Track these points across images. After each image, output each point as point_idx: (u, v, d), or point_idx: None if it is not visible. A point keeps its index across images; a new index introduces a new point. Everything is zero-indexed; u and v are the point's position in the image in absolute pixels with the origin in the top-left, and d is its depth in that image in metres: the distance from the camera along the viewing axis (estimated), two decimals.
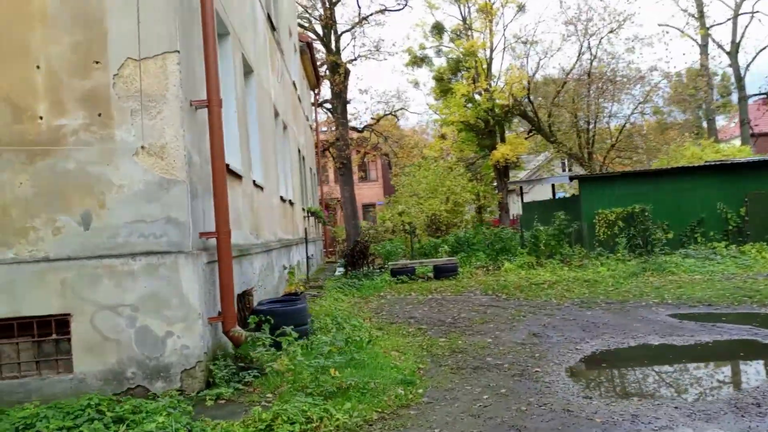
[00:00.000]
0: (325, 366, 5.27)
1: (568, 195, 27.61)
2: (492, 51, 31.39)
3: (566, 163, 36.90)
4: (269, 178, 10.27)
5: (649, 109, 30.08)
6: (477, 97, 30.40)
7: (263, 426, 4.04)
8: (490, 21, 30.84)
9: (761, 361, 5.93)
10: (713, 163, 16.64)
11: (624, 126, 28.87)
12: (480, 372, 5.66)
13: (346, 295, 11.71)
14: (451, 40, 33.41)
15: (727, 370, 5.75)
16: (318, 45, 30.59)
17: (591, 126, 29.17)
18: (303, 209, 17.59)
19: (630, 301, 9.43)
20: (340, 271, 15.98)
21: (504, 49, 30.81)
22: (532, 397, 4.74)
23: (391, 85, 67.25)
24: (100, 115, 4.91)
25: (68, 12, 4.89)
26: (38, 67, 4.85)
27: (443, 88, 32.79)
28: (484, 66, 30.73)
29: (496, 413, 4.41)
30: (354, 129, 34.19)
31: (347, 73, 29.57)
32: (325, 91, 31.29)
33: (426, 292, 12.00)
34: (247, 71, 9.31)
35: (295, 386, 4.82)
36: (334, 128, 31.18)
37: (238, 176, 7.35)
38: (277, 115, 12.69)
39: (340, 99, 29.75)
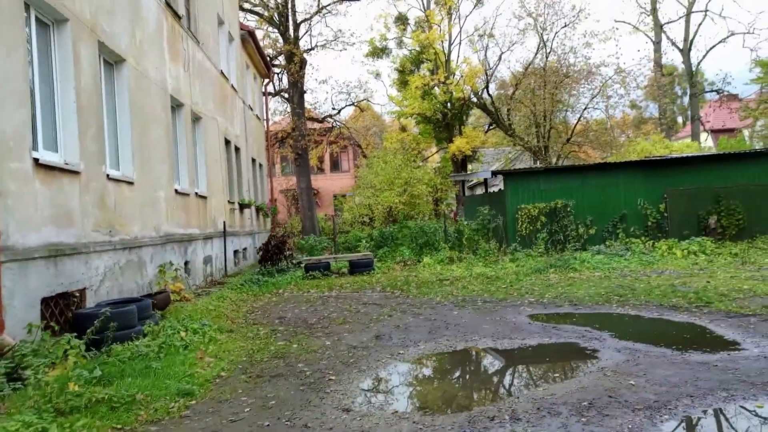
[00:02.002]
0: (92, 377, 5.01)
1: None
2: (450, 44, 31.15)
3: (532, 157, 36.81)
4: (151, 171, 9.93)
5: (616, 102, 29.98)
6: (436, 89, 30.10)
7: None
8: (449, 13, 30.55)
9: (541, 367, 5.60)
10: (637, 160, 16.50)
11: (579, 120, 28.75)
12: (276, 380, 5.41)
13: (240, 293, 11.44)
14: (413, 31, 33.04)
15: (505, 377, 5.52)
16: (276, 35, 30.20)
17: (546, 120, 29.02)
18: (232, 202, 17.27)
19: (508, 300, 9.25)
20: None
21: (460, 42, 30.53)
22: (297, 410, 4.50)
23: (352, 76, 66.70)
24: None
25: None
26: None
27: (404, 79, 32.49)
28: (443, 59, 30.44)
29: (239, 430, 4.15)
30: (314, 119, 33.81)
31: (303, 62, 29.16)
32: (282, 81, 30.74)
33: (326, 289, 11.75)
34: (115, 60, 8.96)
35: (41, 400, 4.53)
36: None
37: (70, 171, 7.03)
38: (179, 106, 12.34)
39: (296, 89, 29.34)
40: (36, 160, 6.20)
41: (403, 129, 34.38)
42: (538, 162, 29.80)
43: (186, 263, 11.82)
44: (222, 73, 16.97)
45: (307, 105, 32.17)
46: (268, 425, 4.21)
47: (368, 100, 36.25)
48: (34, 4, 6.64)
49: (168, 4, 11.63)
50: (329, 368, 5.69)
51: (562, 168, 17.14)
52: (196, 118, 13.78)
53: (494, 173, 17.28)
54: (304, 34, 30.26)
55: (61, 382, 4.86)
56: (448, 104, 30.30)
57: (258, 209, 22.10)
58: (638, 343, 6.03)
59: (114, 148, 8.97)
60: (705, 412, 4.00)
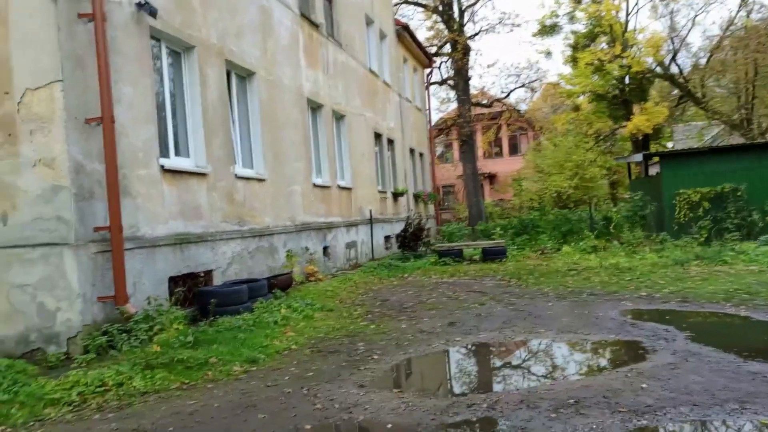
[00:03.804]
0: (186, 341, 6.19)
1: None
2: (627, 13, 28.88)
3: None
4: (284, 169, 11.24)
5: None
6: (609, 64, 28.15)
7: (69, 385, 5.06)
8: None
9: (573, 363, 5.46)
10: None
11: None
12: (330, 355, 6.10)
13: (369, 276, 12.37)
14: (588, 3, 31.21)
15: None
16: (440, 25, 30.74)
17: (750, 89, 25.72)
18: (383, 192, 18.39)
19: (618, 293, 8.84)
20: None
21: (637, 11, 28.17)
22: (322, 382, 5.14)
23: (520, 57, 64.02)
24: (9, 135, 6.24)
25: None
26: None
27: (576, 56, 30.92)
28: (619, 30, 28.35)
29: (262, 403, 4.91)
30: (480, 105, 33.83)
31: (467, 49, 29.31)
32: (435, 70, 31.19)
33: (447, 276, 12.17)
34: (246, 74, 10.33)
35: (138, 357, 5.76)
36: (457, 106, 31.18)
37: (198, 174, 8.44)
38: (319, 107, 13.60)
39: (460, 76, 29.61)
40: (162, 167, 7.62)
41: (576, 108, 32.74)
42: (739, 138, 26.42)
43: (325, 248, 13.08)
44: (371, 70, 18.05)
45: (473, 90, 32.33)
46: (289, 392, 4.91)
47: (539, 80, 35.05)
48: (164, 38, 8.08)
49: (304, 16, 12.87)
50: (380, 349, 6.22)
51: (732, 147, 15.30)
52: (339, 117, 14.99)
53: (647, 156, 15.97)
54: (468, 20, 30.36)
55: (161, 344, 6.10)
56: (625, 79, 28.19)
57: (416, 197, 23.06)
58: (708, 346, 5.58)
59: (248, 151, 10.38)
60: (691, 421, 3.79)
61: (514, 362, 5.90)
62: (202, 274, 8.33)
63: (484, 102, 34.75)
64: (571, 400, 4.19)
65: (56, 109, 6.13)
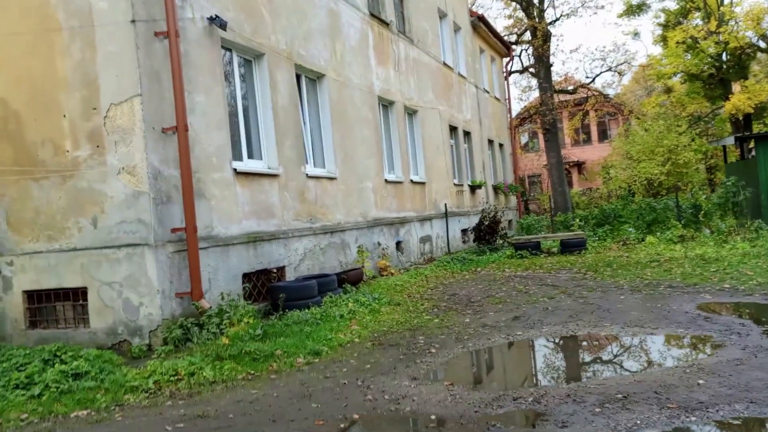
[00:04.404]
0: (255, 334, 6.57)
1: None
2: None
3: None
4: (355, 167, 11.53)
5: None
6: (704, 42, 26.39)
7: (147, 374, 5.55)
8: None
9: (632, 358, 5.25)
10: None
11: None
12: (390, 348, 6.27)
13: (442, 270, 12.44)
14: None
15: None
16: (520, 13, 30.03)
17: None
18: (459, 185, 18.35)
19: (698, 286, 8.43)
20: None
21: None
22: (378, 374, 5.32)
23: (605, 40, 60.72)
24: (98, 146, 6.87)
25: (78, 77, 6.92)
26: (64, 116, 7.00)
27: (666, 35, 29.27)
28: (715, 4, 26.56)
29: (318, 393, 5.15)
30: (564, 91, 32.81)
31: (547, 36, 28.51)
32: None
33: (521, 269, 12.01)
34: (316, 76, 10.69)
35: (210, 349, 6.19)
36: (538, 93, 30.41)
37: (270, 175, 8.86)
38: (390, 104, 13.80)
39: (541, 63, 28.86)
40: (235, 170, 8.08)
41: (668, 90, 30.95)
42: None
43: (398, 243, 13.28)
44: (445, 64, 18.02)
45: (556, 77, 31.39)
46: (344, 383, 5.13)
47: (628, 62, 33.37)
48: (235, 47, 8.54)
49: (373, 15, 13.09)
50: (439, 343, 6.32)
51: None
52: (411, 112, 15.12)
53: (740, 138, 14.90)
54: (548, 6, 29.44)
55: (231, 336, 6.52)
56: (722, 56, 26.38)
57: (495, 188, 22.79)
58: None
59: (319, 150, 10.75)
60: (743, 419, 3.62)
61: (570, 357, 5.82)
62: (275, 270, 8.75)
63: (569, 88, 33.63)
64: (620, 395, 4.11)
65: (136, 121, 6.69)
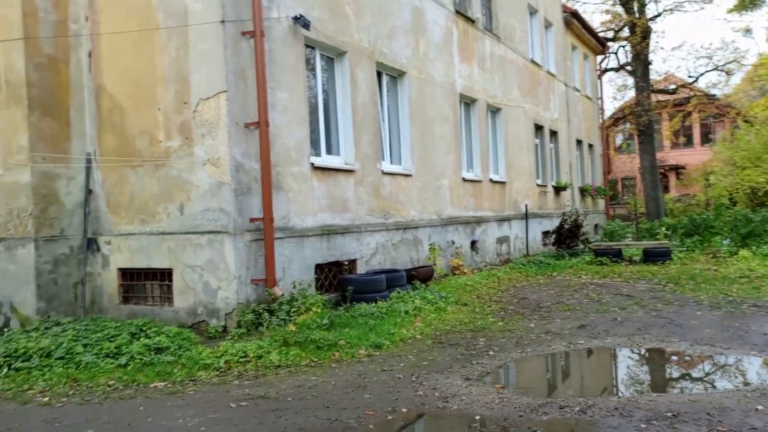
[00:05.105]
0: (321, 323, 6.88)
1: None
2: None
3: None
4: (432, 164, 11.63)
5: None
6: None
7: (219, 353, 5.98)
8: None
9: (691, 377, 4.99)
10: None
11: None
12: (450, 347, 6.38)
13: (516, 272, 12.32)
14: None
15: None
16: (618, 8, 28.80)
17: None
18: (543, 185, 18.01)
19: None
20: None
21: None
22: (433, 372, 5.45)
23: (712, 37, 56.41)
24: (187, 138, 7.41)
25: (172, 73, 7.49)
26: (159, 109, 7.60)
27: None
28: None
29: (372, 385, 5.34)
30: (663, 91, 31.16)
31: (646, 32, 27.23)
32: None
33: (599, 276, 11.68)
34: (397, 73, 10.88)
35: (278, 334, 6.54)
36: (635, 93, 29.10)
37: (346, 170, 9.16)
38: (472, 101, 13.77)
39: (639, 61, 27.62)
40: (312, 164, 8.42)
41: None
42: None
43: (473, 242, 13.27)
44: (533, 61, 17.69)
45: (655, 76, 29.90)
46: (399, 378, 5.30)
47: (737, 61, 31.17)
48: (318, 45, 8.88)
49: (459, 13, 13.09)
50: (499, 346, 6.35)
51: None
52: (494, 110, 14.99)
53: None
54: (650, 0, 28.06)
55: (299, 324, 6.86)
56: None
57: (582, 191, 22.12)
58: None
59: (396, 147, 10.94)
60: None
61: (627, 370, 5.69)
62: (347, 263, 9.05)
63: (670, 88, 31.92)
64: (669, 413, 4.02)
65: (221, 116, 7.15)
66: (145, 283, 7.84)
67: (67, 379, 5.53)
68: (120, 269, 7.97)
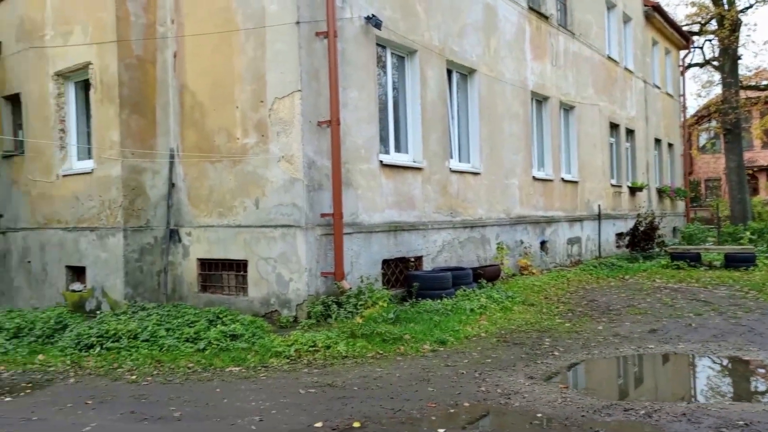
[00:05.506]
0: (388, 317, 7.03)
1: None
2: None
3: None
4: (501, 162, 11.56)
5: None
6: None
7: (290, 342, 6.24)
8: None
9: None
10: None
11: None
12: (514, 346, 6.39)
13: (587, 274, 12.05)
14: None
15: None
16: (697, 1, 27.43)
17: None
18: (617, 186, 17.49)
19: None
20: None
21: None
22: (496, 369, 5.49)
23: None
24: (263, 135, 7.74)
25: (249, 72, 7.84)
26: (237, 107, 7.97)
27: None
28: None
29: (435, 379, 5.44)
30: (754, 87, 29.38)
31: (736, 24, 25.79)
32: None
33: (675, 281, 11.25)
34: (467, 71, 10.88)
35: (346, 326, 6.74)
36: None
37: (414, 168, 9.27)
38: (544, 99, 13.56)
39: (727, 55, 26.23)
40: (381, 162, 8.59)
41: None
42: None
43: (543, 243, 13.08)
44: (609, 57, 17.18)
45: (744, 71, 28.26)
46: (463, 373, 5.37)
47: None
48: (390, 44, 9.03)
49: (532, 9, 12.91)
50: (564, 347, 6.29)
51: None
52: (567, 108, 14.68)
53: None
54: None
55: (366, 317, 7.04)
56: None
57: (660, 192, 21.27)
58: None
59: (465, 145, 10.95)
60: None
61: (699, 377, 5.51)
62: (413, 259, 9.16)
63: (762, 84, 30.07)
64: (741, 422, 3.90)
65: (295, 114, 7.43)
66: (222, 273, 8.26)
67: (152, 360, 5.95)
68: (199, 259, 8.42)
